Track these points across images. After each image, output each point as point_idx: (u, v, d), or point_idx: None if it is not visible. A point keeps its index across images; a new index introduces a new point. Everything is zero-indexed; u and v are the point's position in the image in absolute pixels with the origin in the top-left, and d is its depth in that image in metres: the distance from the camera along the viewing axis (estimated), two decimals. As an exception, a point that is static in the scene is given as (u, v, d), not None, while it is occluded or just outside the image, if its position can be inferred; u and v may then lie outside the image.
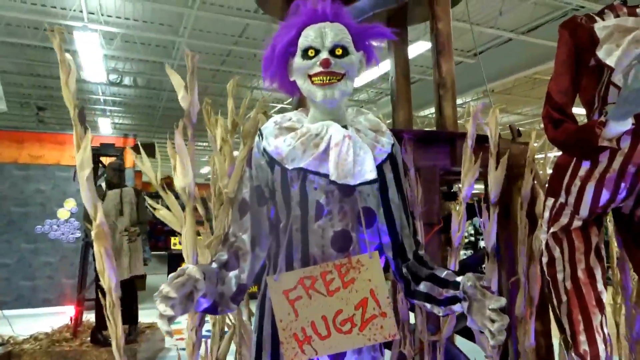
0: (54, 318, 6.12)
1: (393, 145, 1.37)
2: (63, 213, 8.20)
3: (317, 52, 1.27)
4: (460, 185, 2.09)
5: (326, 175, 1.25)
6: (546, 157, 2.27)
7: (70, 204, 8.21)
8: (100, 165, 5.89)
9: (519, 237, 2.11)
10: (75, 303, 5.36)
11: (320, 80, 1.25)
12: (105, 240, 1.15)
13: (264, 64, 1.36)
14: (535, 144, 2.23)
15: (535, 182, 2.19)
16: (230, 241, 1.34)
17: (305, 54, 1.28)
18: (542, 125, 1.77)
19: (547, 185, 1.84)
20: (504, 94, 12.61)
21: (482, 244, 11.03)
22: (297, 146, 1.26)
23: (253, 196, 1.35)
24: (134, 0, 7.71)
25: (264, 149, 1.32)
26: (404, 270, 1.35)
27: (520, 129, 2.80)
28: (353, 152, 1.26)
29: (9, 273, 7.78)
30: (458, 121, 2.55)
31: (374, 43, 1.41)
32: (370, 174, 1.25)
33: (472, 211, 2.71)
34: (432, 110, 13.15)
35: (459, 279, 1.18)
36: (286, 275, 1.24)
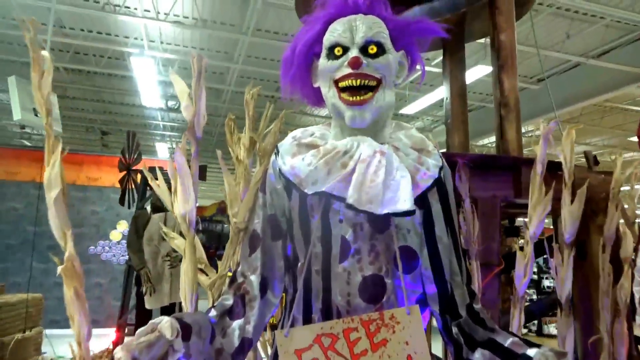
0: (99, 340, 6.08)
1: (441, 168, 1.09)
2: (115, 235, 8.34)
3: (346, 50, 1.04)
4: (525, 220, 1.75)
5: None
6: (633, 189, 1.89)
7: (122, 226, 8.34)
8: (148, 188, 5.90)
9: (601, 287, 1.73)
10: (116, 327, 5.29)
11: (349, 93, 1.02)
12: (74, 279, 0.93)
13: (283, 67, 1.13)
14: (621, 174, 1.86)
15: (621, 219, 1.81)
16: (238, 282, 1.09)
17: (331, 53, 1.06)
18: (614, 157, 1.45)
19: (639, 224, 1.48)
20: (572, 123, 11.87)
21: (546, 282, 10.22)
22: (319, 166, 1.01)
23: (266, 228, 1.10)
24: (191, 28, 7.86)
25: (280, 170, 1.08)
26: (455, 330, 1.04)
27: (596, 156, 2.41)
28: (385, 172, 0.99)
29: (61, 292, 7.89)
30: (523, 149, 2.21)
31: (420, 43, 1.15)
32: (404, 203, 0.97)
33: (538, 250, 2.33)
34: (492, 139, 12.58)
35: (530, 352, 0.86)
36: (299, 331, 0.97)
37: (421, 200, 1.03)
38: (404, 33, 1.10)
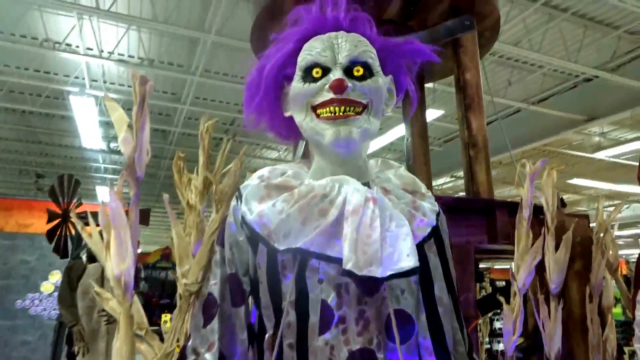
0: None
1: (438, 214, 0.93)
2: (47, 286, 7.63)
3: (326, 71, 0.88)
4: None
5: (338, 261, 0.79)
6: (612, 233, 1.81)
7: (55, 277, 7.65)
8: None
9: (591, 342, 1.59)
10: (43, 393, 4.70)
11: (330, 111, 0.85)
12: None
13: (247, 93, 0.96)
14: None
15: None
16: None
17: (307, 75, 0.89)
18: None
19: (634, 273, 1.36)
20: (512, 166, 12.31)
21: (497, 324, 10.20)
22: (292, 214, 0.82)
23: (225, 291, 0.88)
24: (137, 67, 7.58)
25: (243, 218, 0.86)
26: None
27: (562, 197, 2.35)
28: (380, 224, 0.80)
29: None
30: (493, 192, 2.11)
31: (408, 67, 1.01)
32: (408, 260, 0.78)
33: (504, 296, 2.20)
34: (441, 180, 12.81)
35: None
36: None
37: (418, 253, 0.85)
38: (393, 55, 0.95)
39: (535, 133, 9.19)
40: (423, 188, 0.97)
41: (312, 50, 0.89)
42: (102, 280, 4.62)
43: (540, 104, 8.74)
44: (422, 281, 0.86)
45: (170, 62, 7.65)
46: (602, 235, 1.71)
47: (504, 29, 6.04)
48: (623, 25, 6.65)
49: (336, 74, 0.86)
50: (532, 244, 1.46)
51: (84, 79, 7.97)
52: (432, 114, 8.19)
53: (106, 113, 8.78)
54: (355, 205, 0.81)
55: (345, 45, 0.88)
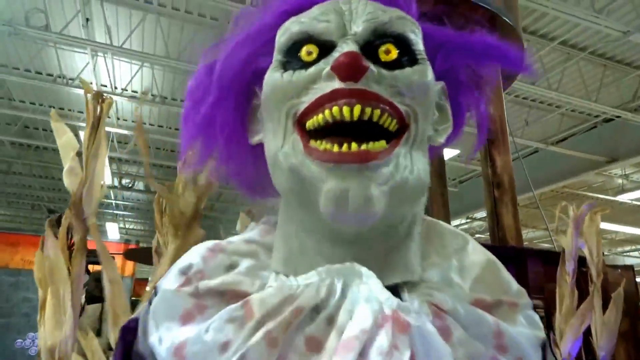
0: None
1: (544, 349, 0.50)
2: (48, 326, 7.40)
3: (328, 49, 0.48)
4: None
5: None
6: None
7: (57, 316, 7.43)
8: (87, 273, 5.26)
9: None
10: None
11: (332, 140, 0.44)
12: None
13: (186, 107, 0.57)
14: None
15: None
16: None
17: (292, 59, 0.49)
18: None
19: None
20: (531, 208, 11.96)
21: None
22: (251, 353, 0.41)
23: None
24: (150, 104, 7.58)
25: (153, 355, 0.46)
26: None
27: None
28: None
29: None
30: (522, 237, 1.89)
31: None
32: None
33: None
34: (459, 221, 12.48)
35: None
36: None
37: None
38: (450, 50, 0.55)
39: (553, 174, 8.94)
40: (513, 289, 0.52)
41: (304, 19, 0.50)
42: (100, 322, 4.41)
43: (559, 145, 8.52)
44: None
45: (183, 99, 7.63)
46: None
47: (521, 67, 5.91)
48: (644, 65, 6.51)
49: (348, 46, 0.46)
50: (578, 304, 1.22)
51: (96, 115, 7.99)
52: (447, 153, 8.01)
53: (118, 149, 8.77)
54: (354, 331, 0.41)
55: (363, 9, 0.49)
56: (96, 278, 4.58)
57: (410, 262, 0.49)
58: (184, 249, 0.58)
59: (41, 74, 7.04)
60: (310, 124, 0.45)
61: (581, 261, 1.38)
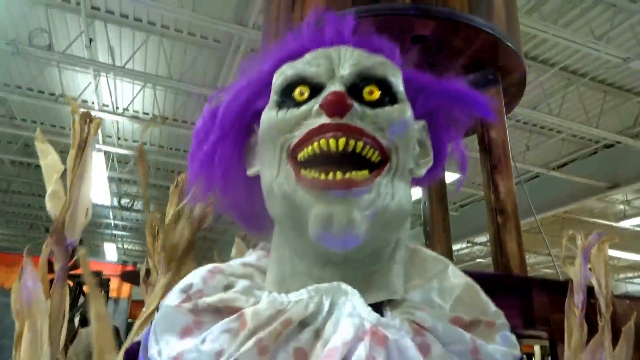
0: None
1: None
2: (41, 348, 7.26)
3: (318, 90, 0.55)
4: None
5: None
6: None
7: (51, 338, 7.29)
8: (82, 295, 5.18)
9: None
10: None
11: (320, 169, 0.50)
12: None
13: (192, 147, 0.64)
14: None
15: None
16: None
17: (286, 99, 0.56)
18: None
19: None
20: (532, 233, 11.89)
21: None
22: (242, 359, 0.45)
23: None
24: (151, 124, 7.59)
25: None
26: None
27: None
28: None
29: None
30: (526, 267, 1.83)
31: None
32: None
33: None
34: (460, 245, 12.38)
35: None
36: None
37: None
38: (429, 93, 0.62)
39: (554, 200, 8.88)
40: (491, 310, 0.55)
41: (297, 64, 0.57)
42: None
43: (560, 170, 8.49)
44: None
45: (184, 119, 7.65)
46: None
47: (522, 92, 5.94)
48: (645, 92, 6.52)
49: (335, 86, 0.53)
50: (588, 339, 1.16)
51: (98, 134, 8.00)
52: (447, 177, 7.98)
53: (117, 169, 8.75)
54: (337, 343, 0.45)
55: (351, 55, 0.57)
56: (91, 300, 4.51)
57: (392, 283, 0.54)
58: (174, 284, 0.54)
59: (43, 93, 7.07)
60: (301, 155, 0.51)
61: (588, 291, 1.33)
